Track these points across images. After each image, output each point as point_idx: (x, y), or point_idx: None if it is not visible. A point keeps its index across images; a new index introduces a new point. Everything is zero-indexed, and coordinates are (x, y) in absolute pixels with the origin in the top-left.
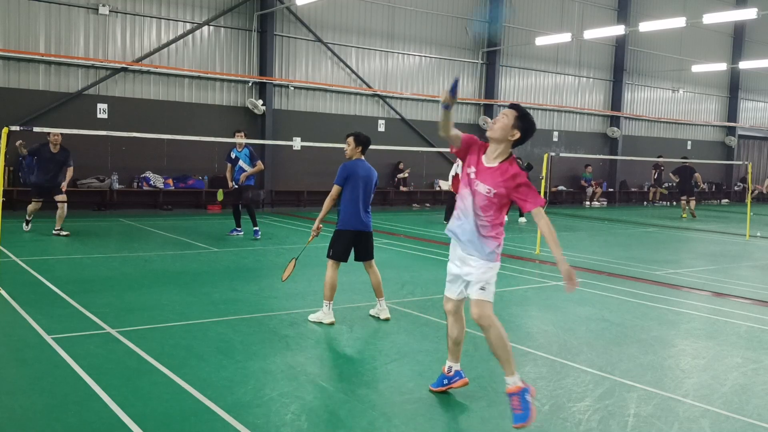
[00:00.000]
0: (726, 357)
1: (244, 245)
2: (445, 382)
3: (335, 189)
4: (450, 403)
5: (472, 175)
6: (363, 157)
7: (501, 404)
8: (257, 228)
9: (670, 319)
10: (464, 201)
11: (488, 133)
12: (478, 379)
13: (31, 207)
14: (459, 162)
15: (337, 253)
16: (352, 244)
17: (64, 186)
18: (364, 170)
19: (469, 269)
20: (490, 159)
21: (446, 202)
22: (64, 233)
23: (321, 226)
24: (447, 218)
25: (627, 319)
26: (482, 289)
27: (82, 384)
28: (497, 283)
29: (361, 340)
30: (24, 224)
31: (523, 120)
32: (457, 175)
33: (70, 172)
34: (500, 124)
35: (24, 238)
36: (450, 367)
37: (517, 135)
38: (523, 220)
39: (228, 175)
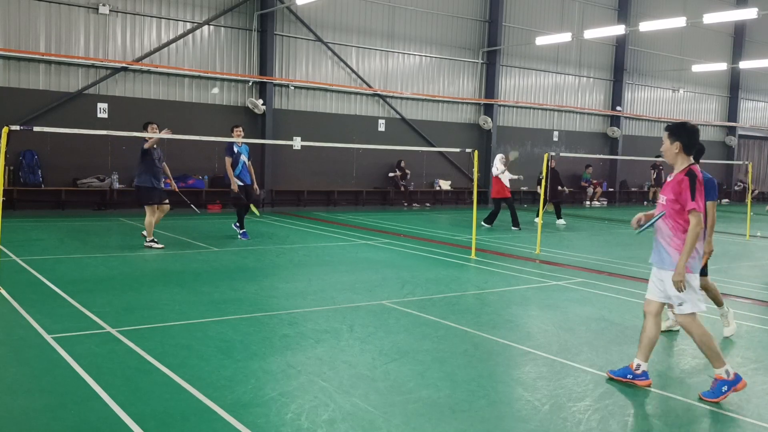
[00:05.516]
0: (726, 357)
1: (244, 245)
2: (629, 376)
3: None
4: (450, 403)
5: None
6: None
7: (501, 404)
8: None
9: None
10: None
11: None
12: (479, 379)
13: (153, 219)
14: (497, 166)
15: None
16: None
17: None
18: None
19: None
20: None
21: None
22: (158, 245)
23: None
24: (490, 221)
25: (627, 319)
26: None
27: (83, 383)
28: (497, 282)
29: (361, 339)
30: (151, 242)
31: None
32: (497, 177)
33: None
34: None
35: (24, 237)
36: (638, 365)
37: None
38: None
39: (231, 170)
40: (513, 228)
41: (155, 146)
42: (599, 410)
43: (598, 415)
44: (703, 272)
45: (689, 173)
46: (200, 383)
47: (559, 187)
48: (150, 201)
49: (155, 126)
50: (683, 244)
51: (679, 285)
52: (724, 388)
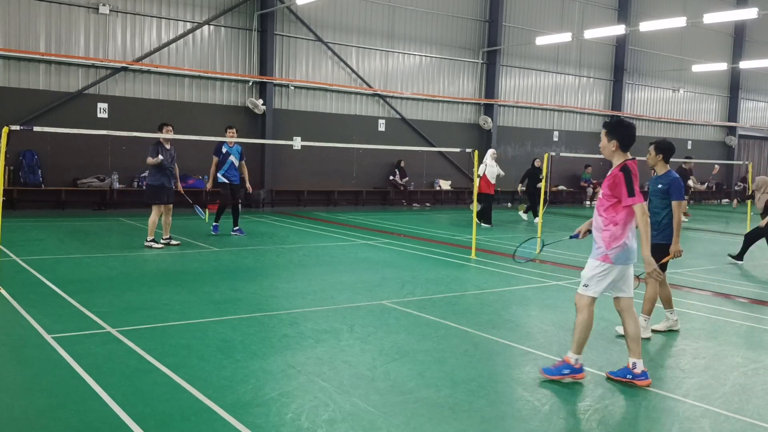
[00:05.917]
0: (726, 357)
1: (244, 245)
2: (629, 377)
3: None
4: (450, 403)
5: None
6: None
7: (501, 404)
8: (239, 227)
9: None
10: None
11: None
12: (479, 379)
13: (157, 219)
14: (487, 162)
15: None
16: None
17: (179, 186)
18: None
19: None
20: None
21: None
22: (176, 242)
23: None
24: (488, 220)
25: None
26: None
27: (83, 383)
28: (497, 282)
29: (361, 339)
30: (151, 241)
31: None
32: (484, 175)
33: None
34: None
35: (24, 237)
36: (635, 364)
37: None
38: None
39: (213, 170)
40: (481, 223)
41: (168, 146)
42: (599, 410)
43: (598, 415)
44: None
45: (624, 169)
46: (200, 383)
47: (538, 185)
48: (156, 200)
49: (170, 128)
50: (611, 235)
51: (654, 274)
52: (566, 371)
